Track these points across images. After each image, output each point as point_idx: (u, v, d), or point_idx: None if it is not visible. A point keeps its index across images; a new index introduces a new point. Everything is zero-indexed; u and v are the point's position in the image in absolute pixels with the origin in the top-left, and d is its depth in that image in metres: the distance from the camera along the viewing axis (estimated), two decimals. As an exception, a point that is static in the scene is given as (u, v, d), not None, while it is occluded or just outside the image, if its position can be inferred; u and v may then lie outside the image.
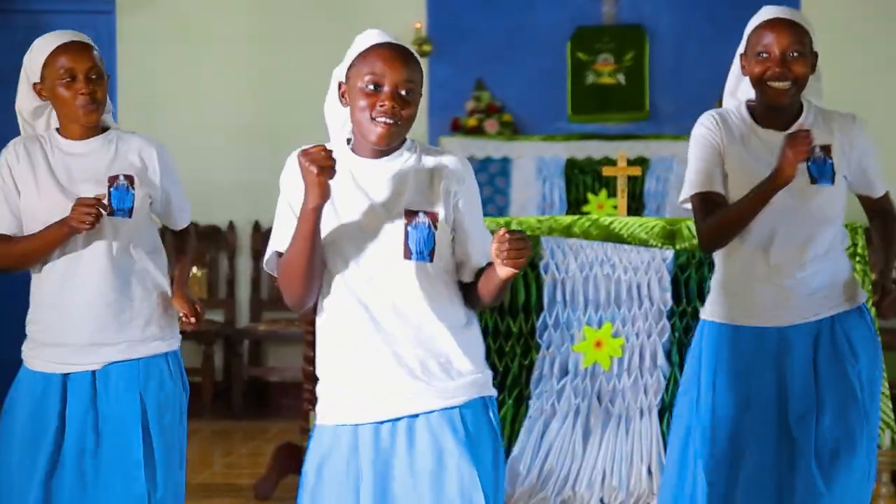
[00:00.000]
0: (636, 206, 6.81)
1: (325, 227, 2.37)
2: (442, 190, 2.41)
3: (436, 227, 2.38)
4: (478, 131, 7.21)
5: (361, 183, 2.40)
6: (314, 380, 2.49)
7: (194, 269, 7.09)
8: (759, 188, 2.93)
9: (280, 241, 2.42)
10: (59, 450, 3.02)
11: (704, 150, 3.05)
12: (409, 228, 2.37)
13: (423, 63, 7.37)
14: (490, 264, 2.41)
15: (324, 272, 2.39)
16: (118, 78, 7.29)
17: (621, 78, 7.27)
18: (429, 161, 2.43)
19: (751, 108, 3.09)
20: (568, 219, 4.44)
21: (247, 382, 7.09)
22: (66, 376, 3.04)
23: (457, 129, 7.27)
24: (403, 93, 2.36)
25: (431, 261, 2.38)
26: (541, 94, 7.28)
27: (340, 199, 2.38)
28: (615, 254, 4.39)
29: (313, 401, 2.53)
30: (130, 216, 3.06)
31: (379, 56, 2.37)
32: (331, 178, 2.30)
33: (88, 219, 2.92)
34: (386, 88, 2.35)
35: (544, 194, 7.03)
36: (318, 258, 2.36)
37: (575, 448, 4.33)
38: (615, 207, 6.49)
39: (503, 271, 2.33)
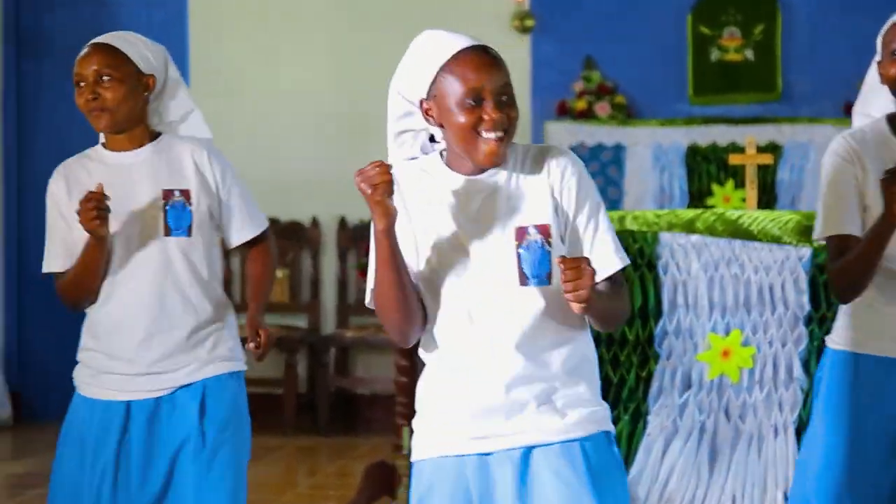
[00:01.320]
0: (767, 199, 6.74)
1: (429, 256, 2.39)
2: (551, 196, 2.41)
3: (549, 245, 2.38)
4: (587, 115, 7.19)
5: (462, 202, 2.41)
6: (408, 392, 2.51)
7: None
8: (874, 231, 2.91)
9: (372, 274, 2.44)
10: (122, 479, 3.08)
11: (838, 186, 3.01)
12: (521, 251, 2.37)
13: (526, 40, 7.41)
14: (608, 282, 2.42)
15: (418, 298, 2.40)
16: (190, 64, 7.41)
17: (749, 54, 7.19)
18: (533, 165, 2.43)
19: (892, 120, 3.04)
20: (690, 213, 4.41)
21: (333, 394, 7.15)
22: (128, 403, 3.10)
23: (564, 113, 7.25)
24: (504, 98, 2.37)
25: (550, 283, 2.38)
26: (658, 73, 7.24)
27: (441, 223, 2.40)
28: (744, 252, 4.35)
29: (407, 415, 2.57)
30: (189, 234, 3.09)
31: (469, 64, 2.36)
32: (390, 195, 2.31)
33: (91, 215, 2.93)
34: (488, 100, 2.35)
35: (663, 185, 6.99)
36: (407, 284, 2.37)
37: (700, 470, 4.30)
38: (743, 200, 6.42)
39: (574, 307, 2.30)
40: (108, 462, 3.09)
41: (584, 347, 2.46)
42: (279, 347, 6.97)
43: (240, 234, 3.21)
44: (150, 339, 3.07)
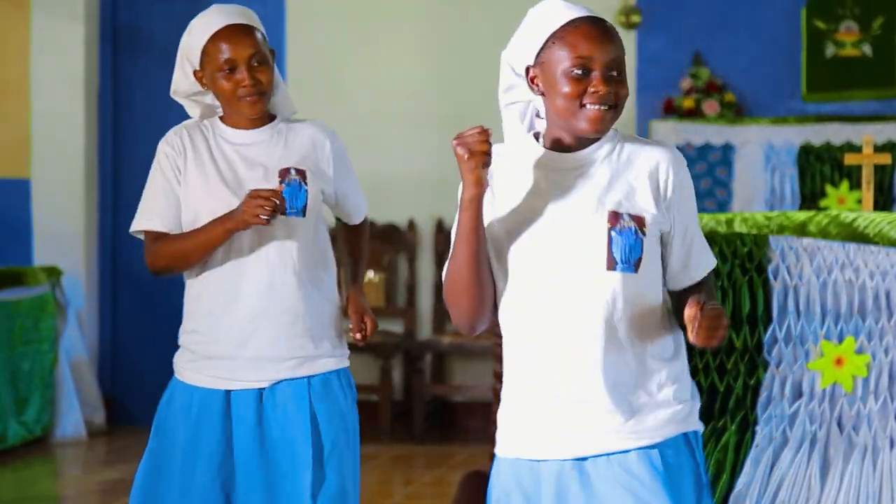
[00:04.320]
0: (885, 200, 6.64)
1: (511, 231, 2.38)
2: (651, 188, 2.38)
3: (643, 233, 2.36)
4: (695, 114, 7.15)
5: (555, 180, 2.39)
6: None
7: (370, 274, 7.24)
8: None
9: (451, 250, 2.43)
10: (231, 473, 3.12)
11: None
12: (614, 233, 2.34)
13: (632, 36, 7.38)
14: (702, 287, 2.41)
15: (492, 285, 2.39)
16: (287, 60, 7.50)
17: (867, 49, 7.10)
18: (635, 153, 2.41)
19: None
20: (802, 215, 4.36)
21: (429, 402, 7.19)
22: (228, 393, 3.13)
23: (670, 111, 7.21)
24: (615, 73, 2.36)
25: (637, 272, 2.36)
26: (770, 69, 7.17)
27: (530, 199, 2.38)
28: (859, 256, 4.29)
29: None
30: (304, 215, 3.12)
31: (580, 34, 2.35)
32: (486, 165, 2.30)
33: (265, 212, 2.97)
34: (596, 72, 2.34)
35: (773, 187, 6.93)
36: (484, 263, 2.37)
37: (811, 483, 4.25)
38: (859, 202, 6.33)
39: (693, 340, 2.30)
40: (216, 453, 3.10)
41: (668, 341, 2.42)
42: (375, 353, 7.02)
43: (351, 217, 3.31)
44: (256, 320, 3.09)
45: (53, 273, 7.27)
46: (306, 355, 3.13)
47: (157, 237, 3.13)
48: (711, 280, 2.48)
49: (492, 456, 5.00)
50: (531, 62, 2.40)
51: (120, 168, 7.77)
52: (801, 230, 4.35)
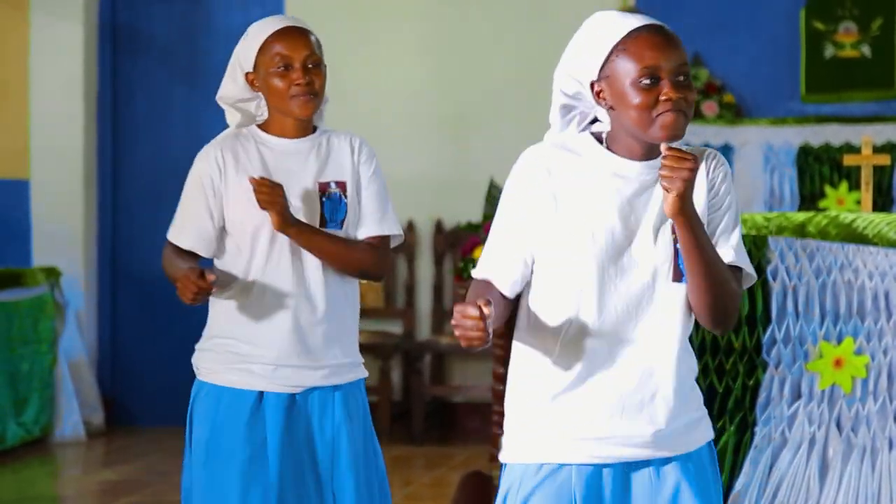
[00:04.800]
0: (884, 201, 6.64)
1: (576, 236, 2.35)
2: (706, 196, 2.39)
3: None
4: (694, 115, 7.14)
5: (621, 187, 2.37)
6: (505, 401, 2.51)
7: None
8: None
9: (484, 262, 2.41)
10: (273, 471, 3.13)
11: None
12: (679, 246, 2.34)
13: (631, 37, 7.37)
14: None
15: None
16: (286, 60, 7.50)
17: (866, 50, 7.10)
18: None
19: None
20: (801, 216, 4.37)
21: (429, 403, 7.19)
22: (261, 394, 3.15)
23: (669, 112, 7.21)
24: (682, 78, 2.34)
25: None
26: (769, 70, 7.17)
27: (596, 204, 2.35)
28: (858, 257, 4.30)
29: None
30: (343, 227, 3.15)
31: (644, 43, 2.34)
32: (485, 345, 2.25)
33: (188, 295, 2.99)
34: (665, 79, 2.33)
35: (773, 187, 6.93)
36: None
37: (810, 484, 4.26)
38: (858, 202, 6.34)
39: (668, 202, 2.28)
40: (243, 450, 3.11)
41: (691, 351, 2.44)
42: (374, 354, 7.02)
43: (367, 226, 3.22)
44: (295, 329, 3.12)
45: (52, 274, 7.27)
46: (337, 364, 3.18)
47: (175, 250, 3.18)
48: (739, 278, 2.43)
49: (492, 456, 4.98)
50: (595, 77, 2.38)
51: (119, 169, 7.77)
52: (800, 231, 4.35)
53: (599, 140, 2.42)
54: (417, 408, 7.05)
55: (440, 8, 7.48)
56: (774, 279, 4.37)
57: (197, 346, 3.25)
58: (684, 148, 2.34)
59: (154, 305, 7.62)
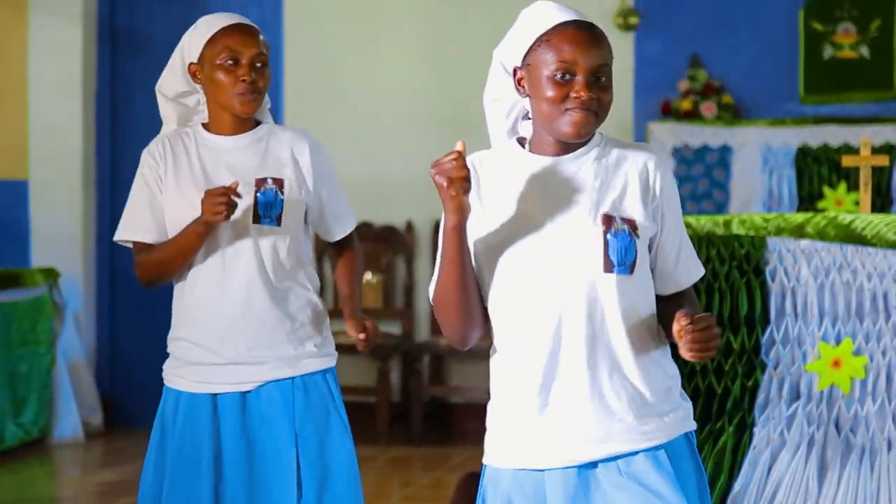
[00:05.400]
0: (882, 202, 6.64)
1: (504, 238, 2.37)
2: (640, 191, 2.38)
3: (637, 235, 2.36)
4: (693, 116, 7.15)
5: (544, 185, 2.38)
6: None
7: (368, 275, 7.24)
8: None
9: (437, 270, 2.42)
10: (219, 475, 3.13)
11: None
12: (609, 236, 2.34)
13: (629, 38, 7.38)
14: (685, 296, 2.42)
15: (480, 300, 2.38)
16: (285, 61, 7.50)
17: (865, 51, 7.10)
18: (622, 156, 2.41)
19: None
20: (799, 216, 4.37)
21: (427, 403, 7.19)
22: (214, 396, 3.15)
23: (668, 113, 7.22)
24: (600, 78, 2.36)
25: (632, 274, 2.36)
26: (768, 71, 7.17)
27: (520, 205, 2.37)
28: (856, 258, 4.30)
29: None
30: (279, 224, 3.14)
31: (566, 38, 2.36)
32: (466, 191, 2.29)
33: (221, 209, 3.00)
34: (579, 76, 2.34)
35: (771, 188, 6.93)
36: (471, 283, 2.36)
37: (808, 485, 4.26)
38: (856, 203, 6.34)
39: (689, 357, 2.29)
40: (206, 456, 3.12)
41: (659, 343, 2.42)
42: (372, 355, 7.02)
43: (333, 232, 3.29)
44: (234, 326, 3.12)
45: (51, 274, 7.26)
46: (288, 356, 3.16)
47: (142, 249, 3.18)
48: (693, 294, 2.48)
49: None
50: (519, 63, 2.41)
51: (118, 170, 7.77)
52: (798, 232, 4.35)
53: (522, 144, 2.44)
54: (416, 408, 7.05)
55: (440, 8, 7.48)
56: (773, 280, 4.37)
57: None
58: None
59: (152, 306, 7.61)
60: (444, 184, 2.29)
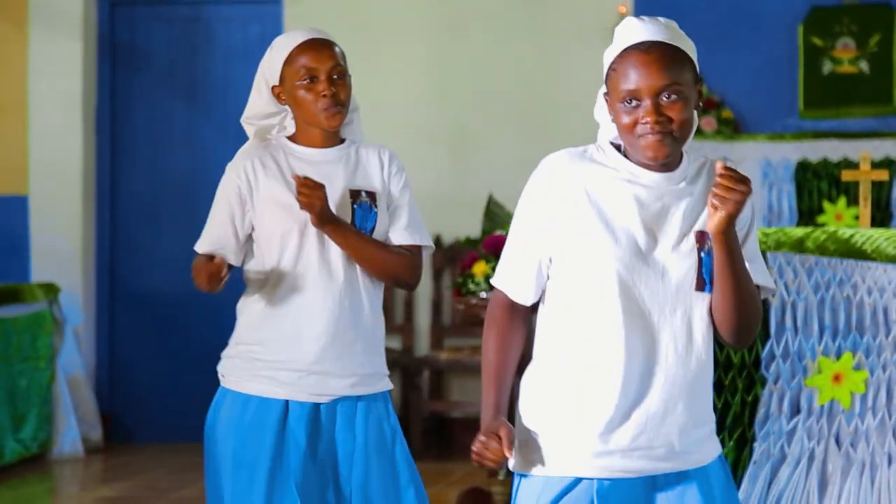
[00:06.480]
0: (882, 217, 6.64)
1: (598, 245, 2.34)
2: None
3: (710, 254, 2.36)
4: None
5: (644, 197, 2.37)
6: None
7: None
8: None
9: (502, 272, 2.42)
10: (273, 483, 3.12)
11: None
12: (703, 255, 2.35)
13: (629, 53, 7.38)
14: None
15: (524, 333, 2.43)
16: (285, 76, 7.51)
17: (864, 66, 7.11)
18: (707, 172, 2.42)
19: None
20: (799, 231, 4.37)
21: (427, 418, 7.18)
22: (286, 403, 3.15)
23: (668, 128, 7.22)
24: (671, 97, 2.34)
25: (710, 293, 2.37)
26: (767, 86, 7.18)
27: (619, 214, 2.35)
28: (856, 272, 4.29)
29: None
30: (372, 236, 3.16)
31: (630, 64, 2.35)
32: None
33: (202, 278, 3.02)
34: (645, 101, 2.33)
35: (771, 203, 6.93)
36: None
37: (809, 499, 4.25)
38: (856, 218, 6.33)
39: (716, 221, 2.29)
40: (261, 463, 3.10)
41: (711, 364, 2.43)
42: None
43: (400, 235, 3.23)
44: (323, 337, 3.12)
45: (51, 290, 7.26)
46: (364, 373, 3.18)
47: (202, 258, 3.17)
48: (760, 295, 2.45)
49: (490, 472, 4.98)
50: (605, 88, 2.42)
51: (118, 185, 7.77)
52: (798, 246, 4.35)
53: (618, 148, 2.43)
54: (416, 423, 7.04)
55: (440, 24, 7.49)
56: (773, 295, 4.37)
57: (223, 354, 3.25)
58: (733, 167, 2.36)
59: (153, 321, 7.61)
60: (475, 462, 2.41)
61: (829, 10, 7.12)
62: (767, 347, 4.35)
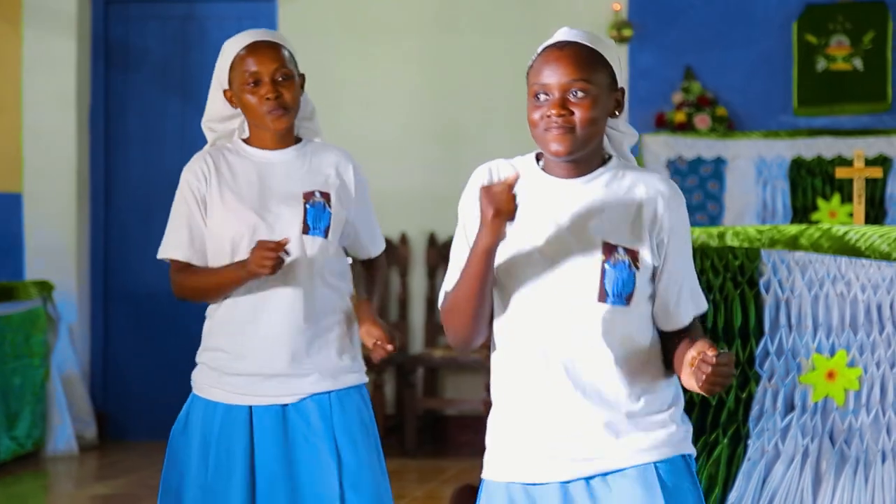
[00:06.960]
0: (876, 214, 6.65)
1: (506, 255, 2.36)
2: (647, 221, 2.37)
3: (637, 268, 2.35)
4: (687, 128, 7.16)
5: (552, 207, 2.38)
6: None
7: (363, 288, 7.25)
8: None
9: (453, 279, 2.42)
10: (252, 491, 3.12)
11: None
12: (607, 266, 2.34)
13: (623, 50, 7.39)
14: (691, 331, 2.41)
15: (490, 311, 2.39)
16: (279, 74, 7.51)
17: (858, 63, 7.12)
18: (634, 183, 2.39)
19: None
20: (793, 228, 4.37)
21: (421, 416, 7.18)
22: (251, 409, 3.15)
23: (662, 125, 7.23)
24: (577, 94, 2.34)
25: (628, 305, 2.35)
26: (761, 83, 7.19)
27: (527, 223, 2.37)
28: (850, 269, 4.30)
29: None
30: (326, 236, 3.17)
31: (542, 59, 2.39)
32: (511, 220, 2.29)
33: (269, 263, 3.02)
34: (552, 95, 2.35)
35: (765, 200, 6.93)
36: (487, 300, 2.36)
37: (803, 496, 4.25)
38: (850, 215, 6.34)
39: (694, 387, 2.30)
40: (240, 468, 3.11)
41: (658, 368, 2.42)
42: (367, 367, 7.02)
43: (367, 251, 3.33)
44: (279, 337, 3.13)
45: (45, 287, 7.25)
46: (328, 369, 3.17)
47: (180, 267, 3.18)
48: (698, 326, 2.47)
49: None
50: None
51: (111, 183, 7.76)
52: (792, 243, 4.35)
53: (538, 159, 2.44)
54: (410, 421, 7.04)
55: (433, 22, 7.49)
56: (767, 292, 4.37)
57: (196, 359, 3.25)
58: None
59: (147, 319, 7.61)
60: (492, 212, 2.28)
61: (823, 7, 7.13)
62: (761, 344, 4.35)
